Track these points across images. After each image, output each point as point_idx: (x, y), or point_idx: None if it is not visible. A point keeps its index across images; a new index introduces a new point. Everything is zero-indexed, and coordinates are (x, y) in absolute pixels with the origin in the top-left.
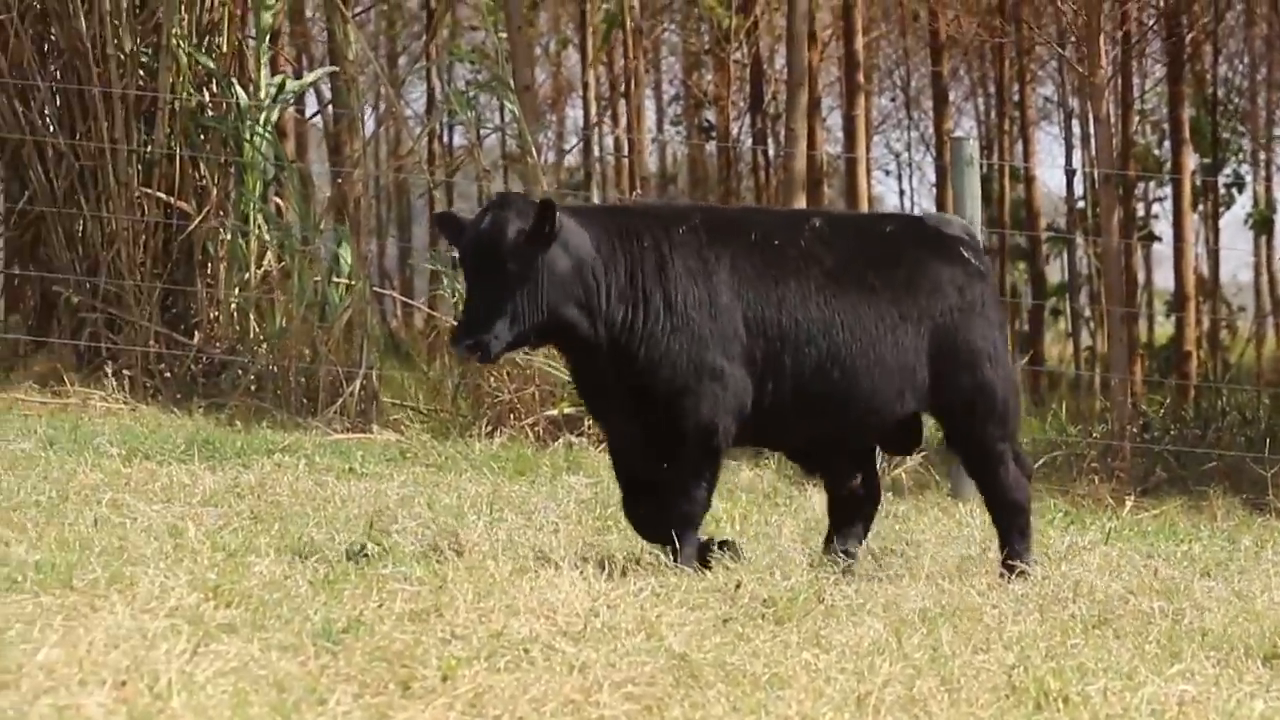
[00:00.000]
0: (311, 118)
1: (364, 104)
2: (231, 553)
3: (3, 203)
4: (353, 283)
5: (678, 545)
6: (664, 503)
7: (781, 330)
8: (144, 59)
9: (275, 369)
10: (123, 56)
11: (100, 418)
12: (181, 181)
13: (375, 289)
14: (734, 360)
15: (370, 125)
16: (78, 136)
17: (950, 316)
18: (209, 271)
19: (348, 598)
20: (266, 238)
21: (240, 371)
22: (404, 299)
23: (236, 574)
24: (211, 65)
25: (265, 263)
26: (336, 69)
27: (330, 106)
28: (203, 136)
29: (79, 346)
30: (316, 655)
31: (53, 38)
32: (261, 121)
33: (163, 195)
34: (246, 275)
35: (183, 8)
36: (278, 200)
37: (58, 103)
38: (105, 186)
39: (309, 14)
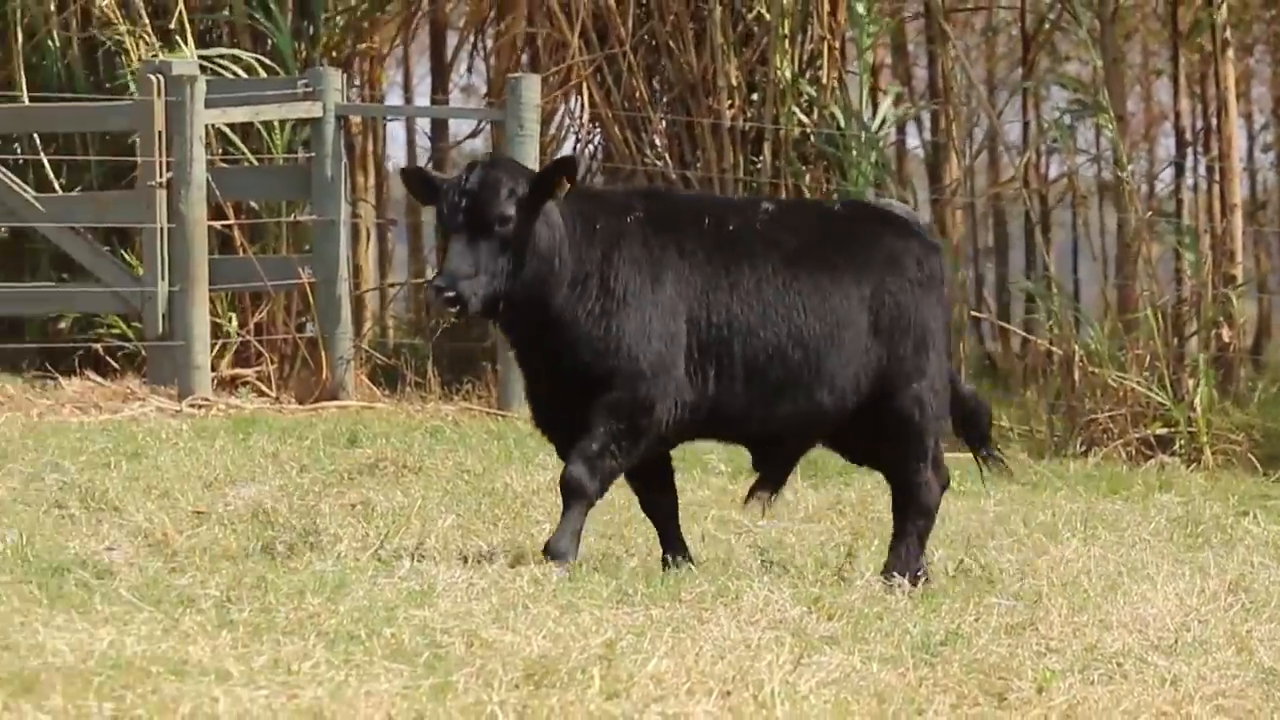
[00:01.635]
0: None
1: (964, 132)
2: (834, 568)
3: None
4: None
5: (562, 518)
6: (568, 467)
7: (730, 316)
8: (750, 90)
9: None
10: (731, 88)
11: None
12: None
13: (973, 313)
14: (675, 348)
15: (970, 153)
16: (689, 165)
17: (912, 290)
18: None
19: (945, 611)
20: None
21: None
22: (1000, 323)
23: (838, 588)
24: (814, 94)
25: None
26: (939, 100)
27: (930, 134)
28: (805, 165)
29: None
30: (915, 667)
31: (664, 70)
32: (865, 149)
33: None
34: None
35: (787, 41)
36: None
37: (668, 132)
38: None
39: (910, 45)
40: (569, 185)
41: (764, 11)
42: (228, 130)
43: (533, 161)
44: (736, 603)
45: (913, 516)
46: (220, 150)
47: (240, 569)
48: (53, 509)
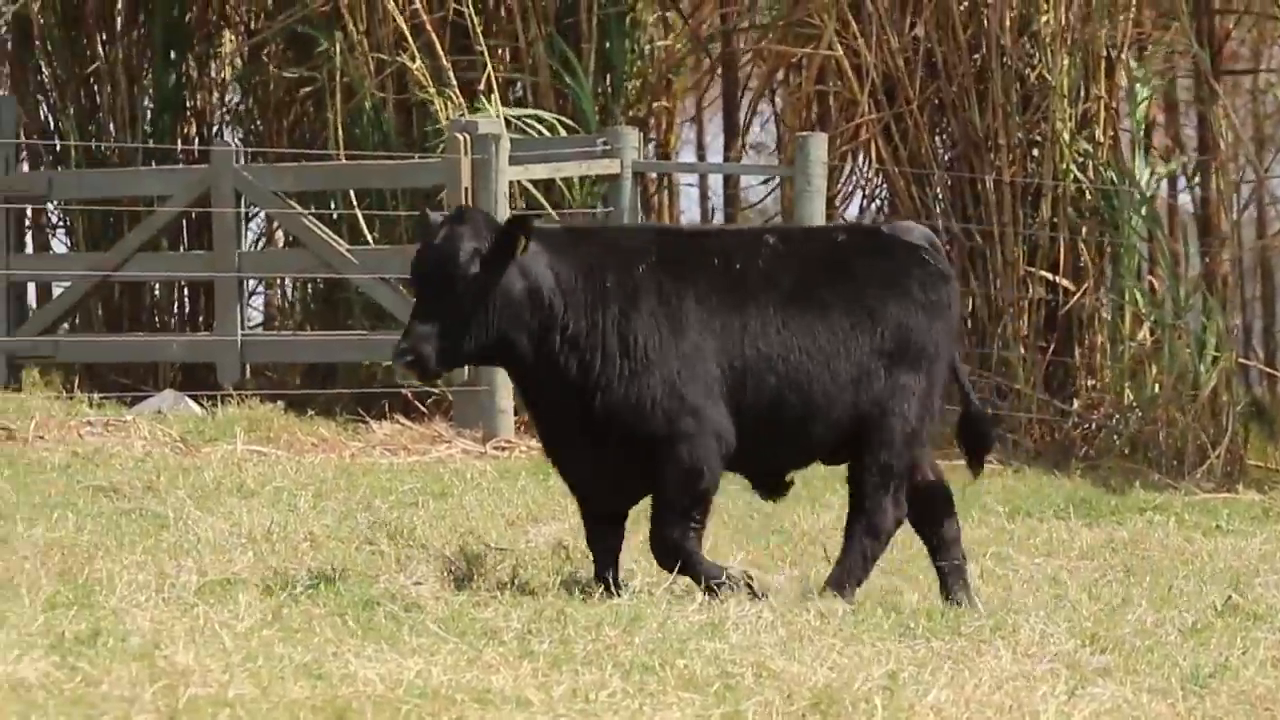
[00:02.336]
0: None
1: (1232, 188)
2: (1106, 603)
3: None
4: (1219, 354)
5: (692, 576)
6: (656, 555)
7: (745, 358)
8: (1030, 147)
9: (1146, 433)
10: (1011, 145)
11: (986, 478)
12: (1063, 261)
13: (1240, 360)
14: (712, 397)
15: (1237, 208)
16: (969, 220)
17: (915, 314)
18: (1086, 343)
19: (1214, 645)
20: (1141, 312)
21: (1115, 436)
22: (1268, 369)
23: (1111, 622)
24: (1090, 151)
25: (1139, 336)
26: (1209, 157)
27: (1199, 190)
28: (1081, 219)
29: None
30: (1184, 698)
31: (948, 128)
32: (1136, 204)
33: (1046, 274)
34: (1121, 348)
35: (1065, 101)
36: (1150, 278)
37: (951, 188)
38: (994, 265)
39: (1181, 103)
40: (526, 243)
41: (1045, 73)
42: (530, 186)
43: (819, 216)
44: (1014, 636)
45: (860, 535)
46: (522, 205)
47: (540, 603)
48: (364, 545)
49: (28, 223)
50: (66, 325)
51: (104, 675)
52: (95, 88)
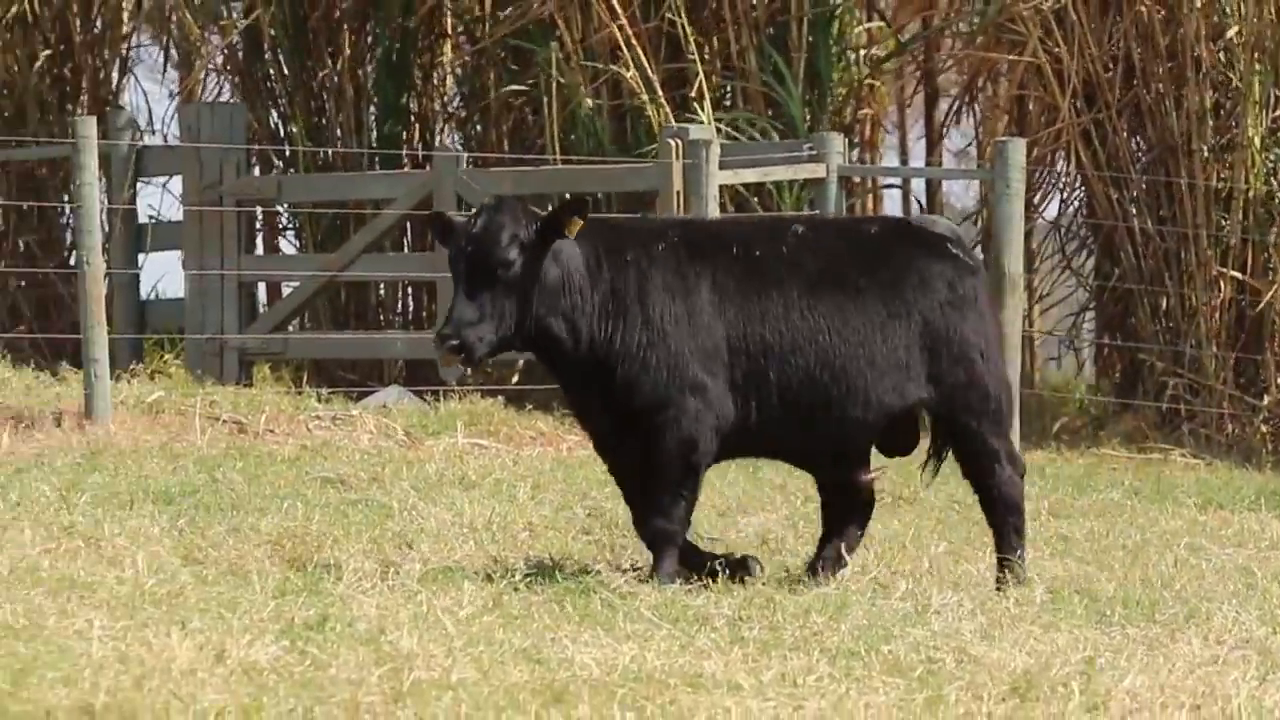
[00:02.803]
0: None
1: None
2: None
3: (1095, 279)
4: None
5: (654, 562)
6: (642, 518)
7: (765, 343)
8: (1223, 152)
9: None
10: (1206, 150)
11: (1179, 471)
12: (1253, 262)
13: None
14: (715, 376)
15: None
16: (1164, 221)
17: (941, 311)
18: (1276, 343)
19: None
20: None
21: None
22: None
23: None
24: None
25: None
26: None
27: None
28: (1271, 222)
29: (1160, 408)
30: None
31: (1145, 133)
32: None
33: (1236, 274)
34: None
35: (1257, 107)
36: None
37: (1147, 191)
38: (1187, 266)
39: None
40: (580, 224)
41: (1237, 81)
42: (740, 189)
43: (1018, 219)
44: (1207, 624)
45: (1002, 514)
46: (732, 208)
47: (750, 590)
48: (580, 535)
49: (258, 225)
50: (295, 323)
51: (332, 659)
52: (323, 95)
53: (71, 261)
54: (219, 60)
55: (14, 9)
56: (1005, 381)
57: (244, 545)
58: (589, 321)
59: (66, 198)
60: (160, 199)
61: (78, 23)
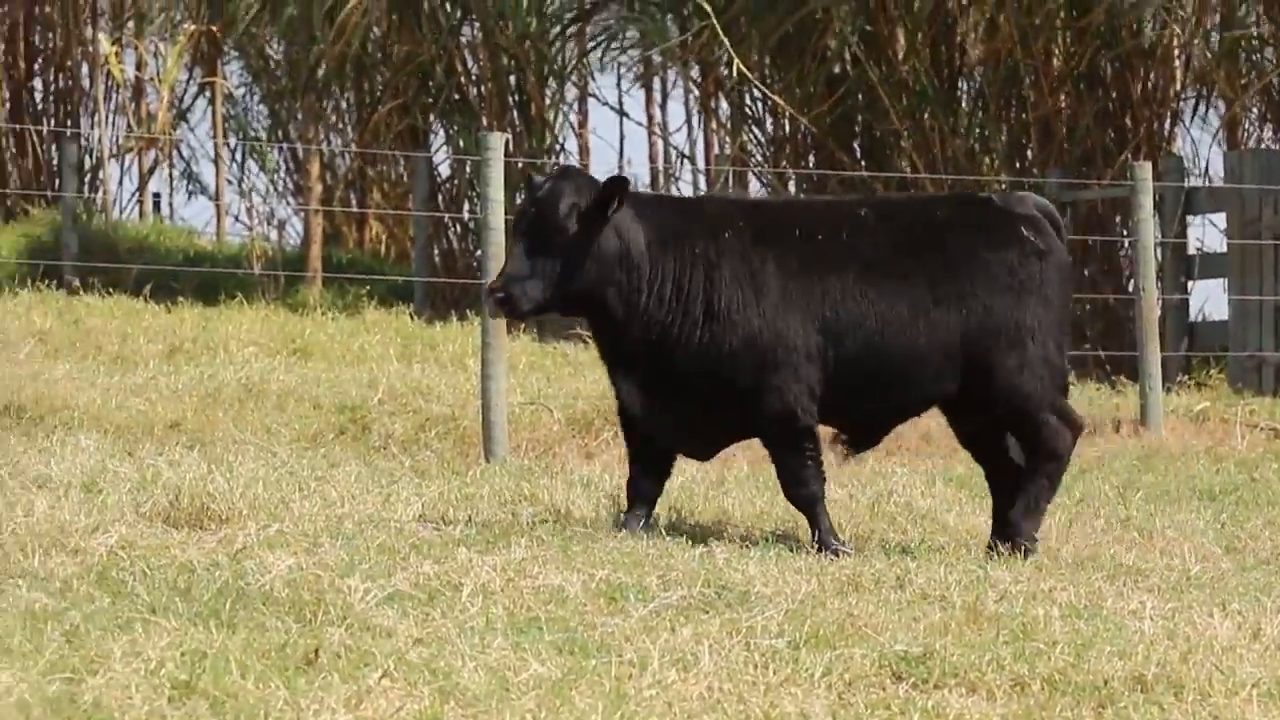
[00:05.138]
0: None
1: None
2: None
3: None
4: None
5: (811, 525)
6: (784, 491)
7: (825, 321)
8: None
9: None
10: None
11: None
12: None
13: None
14: (795, 350)
15: None
16: None
17: (998, 296)
18: None
19: None
20: None
21: None
22: None
23: None
24: None
25: None
26: None
27: None
28: None
29: None
30: None
31: None
32: None
33: None
34: None
35: None
36: None
37: None
38: None
39: None
40: (619, 203)
41: None
42: None
43: None
44: None
45: (1041, 462)
46: None
47: None
48: None
49: None
50: None
51: None
52: None
53: (1129, 288)
54: (1256, 111)
55: (1079, 68)
56: (1053, 362)
57: (1278, 537)
58: (642, 300)
59: (1125, 233)
60: (1205, 233)
61: (1135, 81)
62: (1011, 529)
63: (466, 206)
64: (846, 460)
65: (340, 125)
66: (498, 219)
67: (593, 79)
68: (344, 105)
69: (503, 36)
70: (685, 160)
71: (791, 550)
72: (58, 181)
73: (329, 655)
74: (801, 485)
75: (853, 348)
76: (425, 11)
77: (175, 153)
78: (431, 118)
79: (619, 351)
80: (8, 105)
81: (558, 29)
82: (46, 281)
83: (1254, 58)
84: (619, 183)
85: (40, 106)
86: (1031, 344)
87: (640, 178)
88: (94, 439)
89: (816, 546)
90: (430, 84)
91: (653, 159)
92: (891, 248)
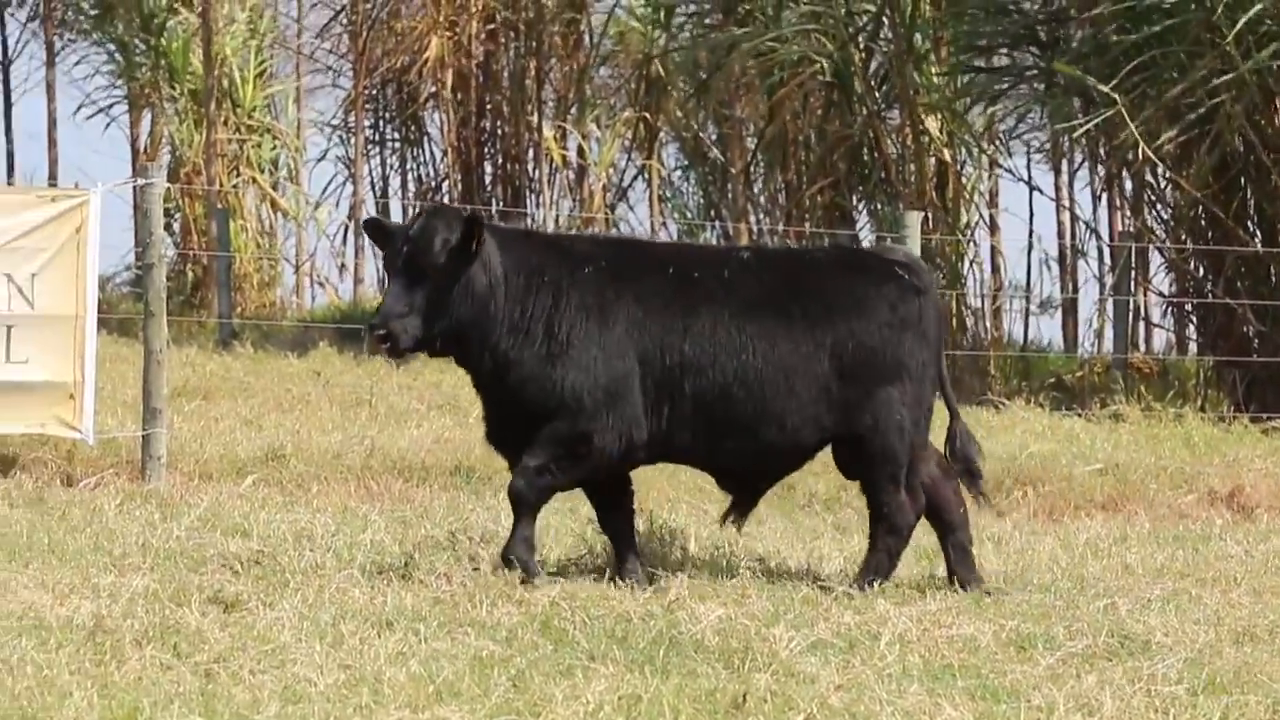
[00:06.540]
0: None
1: None
2: None
3: None
4: None
5: (514, 523)
6: (512, 480)
7: (683, 358)
8: None
9: None
10: None
11: None
12: None
13: None
14: (625, 385)
15: None
16: None
17: (880, 333)
18: None
19: None
20: None
21: None
22: None
23: None
24: None
25: None
26: None
27: None
28: None
29: None
30: None
31: None
32: None
33: None
34: None
35: None
36: None
37: None
38: None
39: None
40: (478, 239)
41: None
42: None
43: None
44: None
45: (882, 535)
46: None
47: None
48: None
49: None
50: None
51: None
52: None
53: None
54: None
55: None
56: (926, 404)
57: None
58: (498, 332)
59: None
60: None
61: None
62: None
63: None
64: (737, 527)
65: (769, 207)
66: None
67: (1005, 154)
68: (774, 186)
69: (924, 119)
70: (1093, 234)
71: (1190, 601)
72: None
73: (755, 700)
74: (528, 483)
75: (718, 381)
76: (856, 94)
77: (615, 231)
78: (854, 197)
79: (479, 382)
80: (459, 186)
81: (973, 109)
82: None
83: None
84: (476, 220)
85: (489, 189)
86: (906, 386)
87: (1050, 251)
88: None
89: (503, 549)
90: (855, 165)
91: (1060, 234)
92: (768, 288)
